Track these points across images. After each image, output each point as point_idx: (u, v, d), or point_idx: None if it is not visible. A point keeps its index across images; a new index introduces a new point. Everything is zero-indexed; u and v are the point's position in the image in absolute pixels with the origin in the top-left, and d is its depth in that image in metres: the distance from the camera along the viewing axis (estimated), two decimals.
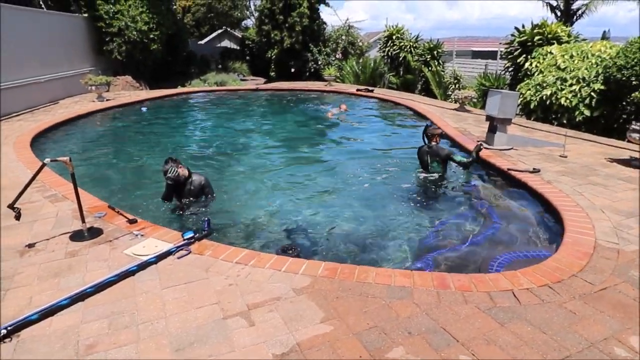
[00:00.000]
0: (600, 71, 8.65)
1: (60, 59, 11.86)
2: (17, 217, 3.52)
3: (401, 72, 16.69)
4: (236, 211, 4.78)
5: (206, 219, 3.79)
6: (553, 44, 10.68)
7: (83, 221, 3.58)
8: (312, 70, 18.35)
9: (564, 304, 2.67)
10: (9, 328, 2.39)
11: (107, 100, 11.28)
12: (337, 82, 16.76)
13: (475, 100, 11.42)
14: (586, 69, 8.97)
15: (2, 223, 3.88)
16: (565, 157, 6.11)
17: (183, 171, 4.58)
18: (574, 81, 8.99)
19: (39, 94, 10.65)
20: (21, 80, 9.93)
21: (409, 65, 16.05)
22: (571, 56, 9.67)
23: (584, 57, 9.42)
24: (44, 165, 3.53)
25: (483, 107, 10.53)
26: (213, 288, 2.84)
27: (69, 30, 12.66)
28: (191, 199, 4.73)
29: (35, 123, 8.56)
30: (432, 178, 5.63)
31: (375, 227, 4.37)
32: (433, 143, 5.63)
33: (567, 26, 11.71)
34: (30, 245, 3.45)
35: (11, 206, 3.46)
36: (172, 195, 4.65)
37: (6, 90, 9.26)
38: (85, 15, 13.41)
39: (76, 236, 3.58)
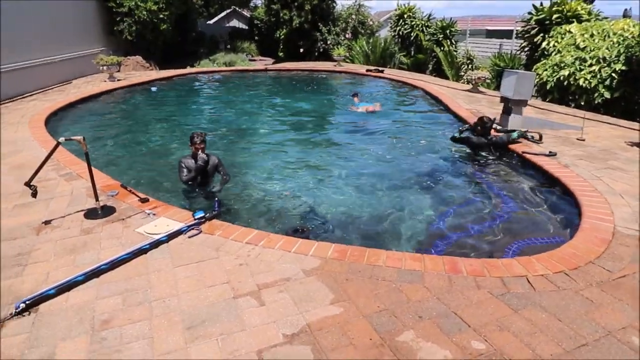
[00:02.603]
0: (622, 51, 8.32)
1: (72, 40, 11.87)
2: (34, 195, 3.58)
3: (412, 52, 16.33)
4: (246, 192, 4.78)
5: (216, 199, 3.79)
6: (572, 22, 10.29)
7: (97, 199, 3.62)
8: (321, 50, 18.01)
9: (580, 291, 2.63)
10: (27, 302, 2.45)
11: (118, 80, 11.28)
12: (347, 62, 16.47)
13: (488, 81, 11.12)
14: (607, 48, 8.65)
15: (20, 200, 3.95)
16: (583, 140, 5.95)
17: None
18: (594, 61, 8.69)
19: (51, 74, 10.70)
20: (34, 60, 9.96)
21: (421, 45, 15.68)
22: (591, 35, 9.31)
23: (604, 36, 9.07)
24: (58, 144, 3.55)
25: (497, 88, 10.28)
26: (223, 267, 2.86)
27: (80, 11, 12.60)
28: (204, 179, 4.71)
29: (49, 102, 8.61)
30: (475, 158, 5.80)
31: (386, 210, 4.34)
32: (491, 136, 5.70)
33: (587, 4, 11.25)
34: (47, 222, 3.51)
35: (28, 184, 3.50)
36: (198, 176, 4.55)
37: (19, 71, 9.30)
38: None
39: (90, 214, 3.63)
